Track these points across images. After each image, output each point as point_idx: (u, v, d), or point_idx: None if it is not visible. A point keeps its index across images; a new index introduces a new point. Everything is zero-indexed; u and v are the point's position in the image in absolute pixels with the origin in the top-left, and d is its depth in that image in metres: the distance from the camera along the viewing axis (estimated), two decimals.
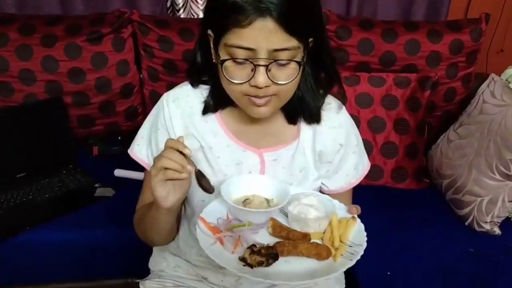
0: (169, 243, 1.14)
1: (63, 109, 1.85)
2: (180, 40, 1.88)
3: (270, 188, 0.99)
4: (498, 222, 1.63)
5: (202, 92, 1.04)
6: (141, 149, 1.07)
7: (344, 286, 1.20)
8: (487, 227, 1.63)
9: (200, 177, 0.91)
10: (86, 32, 1.85)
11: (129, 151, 1.09)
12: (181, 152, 0.86)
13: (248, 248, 0.85)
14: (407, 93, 1.85)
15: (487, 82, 1.83)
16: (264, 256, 0.83)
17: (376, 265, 1.47)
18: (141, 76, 1.99)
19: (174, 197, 0.89)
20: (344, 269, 0.86)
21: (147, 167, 1.07)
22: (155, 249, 1.20)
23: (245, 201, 0.96)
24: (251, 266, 0.83)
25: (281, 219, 0.96)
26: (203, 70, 1.01)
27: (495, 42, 2.23)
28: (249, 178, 1.01)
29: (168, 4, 2.11)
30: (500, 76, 1.89)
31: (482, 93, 1.81)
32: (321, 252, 0.87)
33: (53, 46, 1.82)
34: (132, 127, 2.00)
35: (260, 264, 0.83)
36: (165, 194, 0.88)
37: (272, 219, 0.93)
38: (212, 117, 1.04)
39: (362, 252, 0.87)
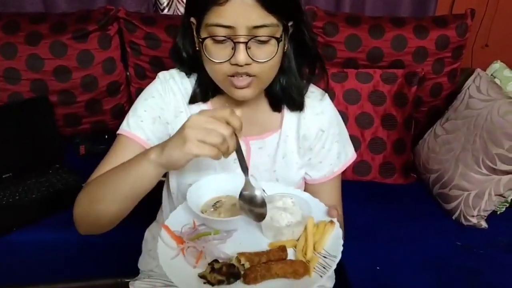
0: (116, 221, 0.97)
1: (49, 108, 1.82)
2: (167, 37, 1.87)
3: None
4: (484, 216, 1.65)
5: (195, 78, 1.05)
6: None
7: (334, 281, 1.20)
8: (474, 220, 1.65)
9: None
10: (71, 30, 1.83)
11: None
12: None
13: (209, 264, 0.81)
14: (394, 89, 1.87)
15: (472, 77, 1.85)
16: (225, 275, 0.78)
17: (366, 260, 1.48)
18: (128, 73, 1.97)
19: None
20: (315, 286, 0.80)
21: (124, 132, 1.06)
22: (144, 249, 1.20)
23: (216, 204, 0.94)
24: (212, 284, 0.78)
25: (253, 224, 0.90)
26: (189, 61, 1.01)
27: (480, 37, 2.25)
28: (222, 177, 0.98)
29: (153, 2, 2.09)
30: (485, 71, 1.92)
31: (468, 88, 1.83)
32: (298, 269, 0.80)
33: (38, 44, 1.80)
34: (119, 125, 1.97)
35: (220, 282, 0.78)
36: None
37: (241, 254, 0.82)
38: (202, 104, 1.05)
39: (334, 266, 0.81)
